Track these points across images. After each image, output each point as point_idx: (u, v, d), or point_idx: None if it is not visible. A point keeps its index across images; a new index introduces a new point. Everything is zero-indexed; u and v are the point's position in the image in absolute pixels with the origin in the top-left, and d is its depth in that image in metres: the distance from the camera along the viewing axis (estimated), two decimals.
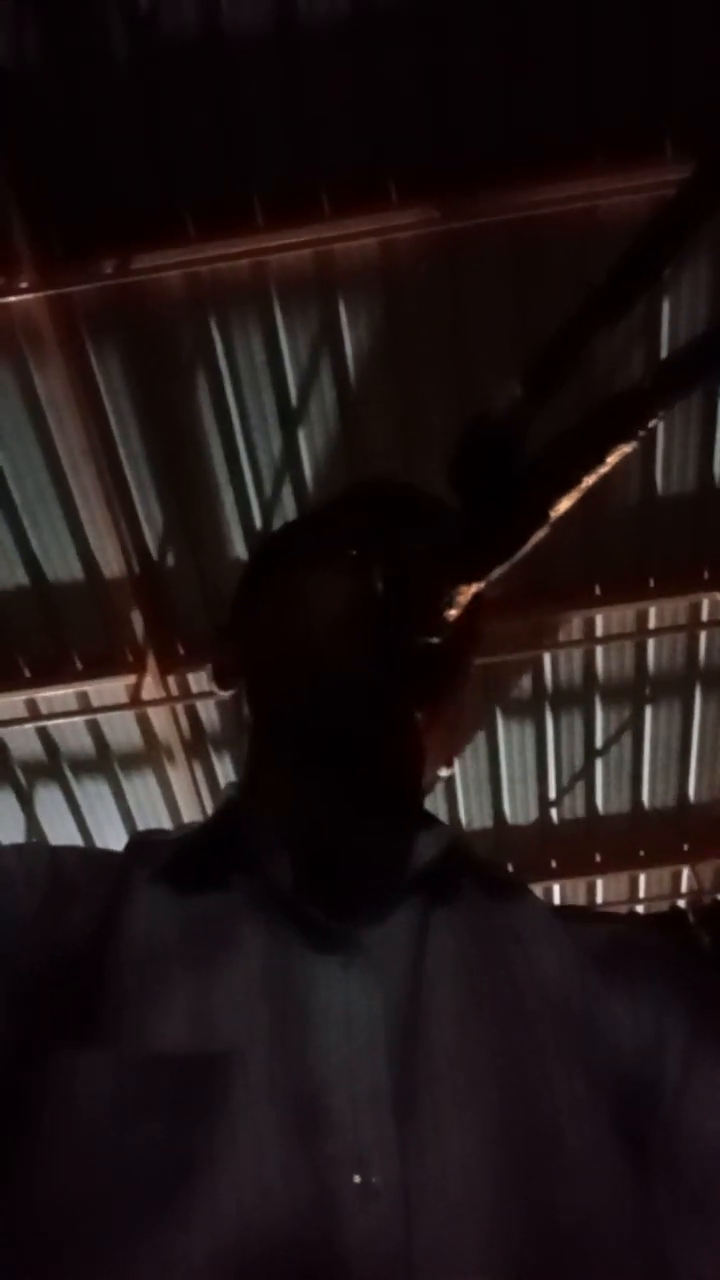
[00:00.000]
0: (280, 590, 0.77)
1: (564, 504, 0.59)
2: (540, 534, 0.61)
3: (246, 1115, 0.51)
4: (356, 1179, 0.49)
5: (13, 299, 3.16)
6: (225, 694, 0.82)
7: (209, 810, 4.46)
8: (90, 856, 0.69)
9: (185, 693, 4.07)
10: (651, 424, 0.56)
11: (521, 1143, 0.52)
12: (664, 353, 3.38)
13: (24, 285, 3.14)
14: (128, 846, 0.70)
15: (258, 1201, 0.48)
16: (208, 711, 4.19)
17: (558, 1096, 0.55)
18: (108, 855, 0.70)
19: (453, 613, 0.66)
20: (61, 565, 3.78)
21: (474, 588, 0.65)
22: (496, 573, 0.63)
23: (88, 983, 0.57)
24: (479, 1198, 0.50)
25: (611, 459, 0.57)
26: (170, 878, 0.64)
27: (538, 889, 4.80)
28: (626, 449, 0.57)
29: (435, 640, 0.68)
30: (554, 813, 4.70)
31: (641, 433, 0.56)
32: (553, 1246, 0.50)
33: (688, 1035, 0.60)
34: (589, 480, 0.58)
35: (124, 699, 4.06)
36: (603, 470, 0.58)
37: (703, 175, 0.52)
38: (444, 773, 0.80)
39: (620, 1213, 0.52)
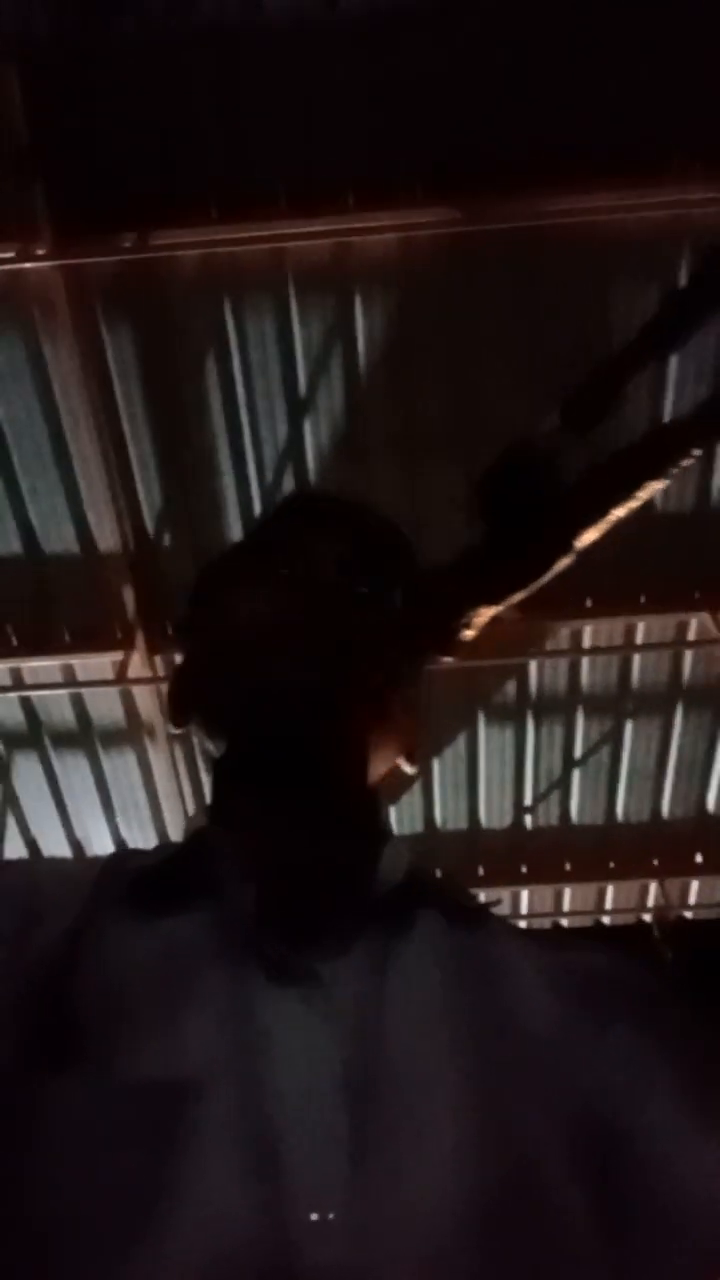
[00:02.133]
0: (216, 615, 0.76)
1: (590, 536, 0.60)
2: (564, 564, 0.61)
3: (211, 1149, 0.51)
4: (314, 1217, 0.49)
5: (29, 266, 3.14)
6: (178, 731, 0.80)
7: (186, 792, 4.46)
8: (66, 874, 0.69)
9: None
10: (687, 463, 0.57)
11: (483, 1183, 0.52)
12: (670, 391, 3.39)
13: (41, 253, 3.12)
14: (103, 866, 0.69)
15: (221, 1236, 0.48)
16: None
17: (521, 1138, 0.55)
18: (83, 872, 0.69)
19: (470, 633, 0.66)
20: (56, 537, 3.76)
21: (493, 610, 0.65)
22: (517, 598, 0.63)
23: (59, 1007, 0.56)
24: (437, 1238, 0.50)
25: (643, 494, 0.58)
26: (141, 902, 0.63)
27: (506, 894, 4.85)
28: (659, 486, 0.58)
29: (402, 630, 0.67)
30: (528, 819, 4.73)
31: (676, 471, 0.57)
32: None
33: (658, 1079, 0.59)
34: (619, 513, 0.59)
35: (110, 675, 4.05)
36: (634, 505, 0.59)
37: None
38: (407, 768, 0.79)
39: (581, 1258, 0.52)
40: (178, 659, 0.83)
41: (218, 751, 0.75)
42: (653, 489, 0.57)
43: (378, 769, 0.75)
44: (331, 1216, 0.49)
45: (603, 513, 0.59)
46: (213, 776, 0.76)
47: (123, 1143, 0.51)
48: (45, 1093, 0.52)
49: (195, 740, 4.35)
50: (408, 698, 0.76)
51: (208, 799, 0.76)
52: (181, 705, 0.78)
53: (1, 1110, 0.52)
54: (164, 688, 4.05)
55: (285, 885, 0.65)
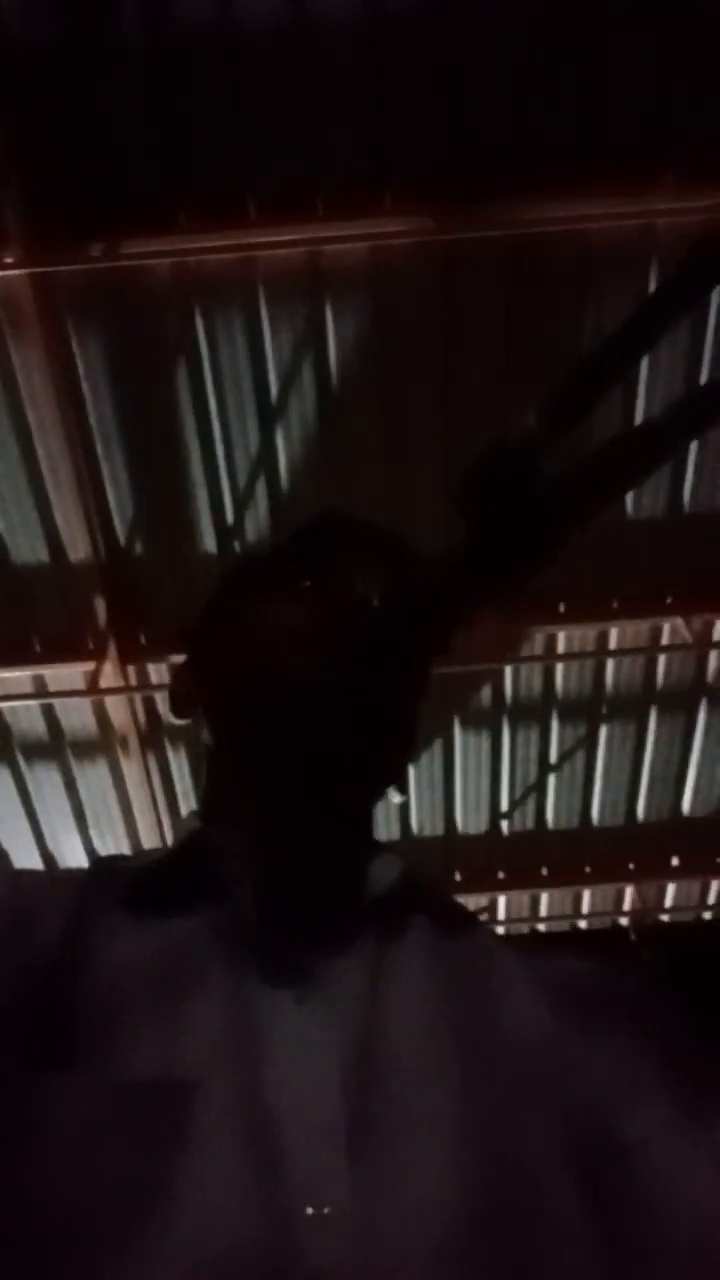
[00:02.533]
0: (240, 618, 0.77)
1: (575, 536, 0.60)
2: (544, 567, 0.61)
3: (207, 1146, 0.51)
4: (309, 1210, 0.50)
5: None
6: (181, 722, 0.81)
7: (159, 803, 4.43)
8: (53, 880, 0.70)
9: (144, 683, 4.04)
10: (664, 463, 0.57)
11: (477, 1184, 0.53)
12: (641, 390, 3.42)
13: (9, 260, 3.10)
14: (90, 870, 0.70)
15: (217, 1231, 0.49)
16: (166, 703, 4.15)
17: (512, 1138, 0.56)
18: (70, 878, 0.69)
19: (460, 635, 0.67)
20: (26, 546, 3.73)
21: (481, 611, 0.66)
22: (495, 603, 0.64)
23: (53, 1009, 0.57)
24: (430, 1233, 0.50)
25: (624, 494, 0.58)
26: (134, 904, 0.64)
27: (483, 899, 4.86)
28: (637, 486, 0.58)
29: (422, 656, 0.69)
30: (504, 824, 4.74)
31: (654, 471, 0.57)
32: None
33: (647, 1085, 0.60)
34: (600, 513, 0.59)
35: (81, 685, 4.02)
36: (613, 504, 0.59)
37: None
38: (396, 798, 0.81)
39: (574, 1261, 0.53)
40: (186, 651, 0.85)
41: (220, 747, 0.75)
42: (630, 489, 0.57)
43: (378, 779, 0.76)
44: (329, 1211, 0.50)
45: (588, 515, 0.59)
46: (211, 771, 0.77)
47: (120, 1141, 0.51)
48: (42, 1092, 0.53)
49: (168, 749, 4.32)
50: (414, 711, 0.78)
51: (202, 794, 0.78)
52: (190, 698, 0.79)
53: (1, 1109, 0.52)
54: (136, 697, 4.04)
55: (284, 887, 0.66)
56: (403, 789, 0.80)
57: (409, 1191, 0.51)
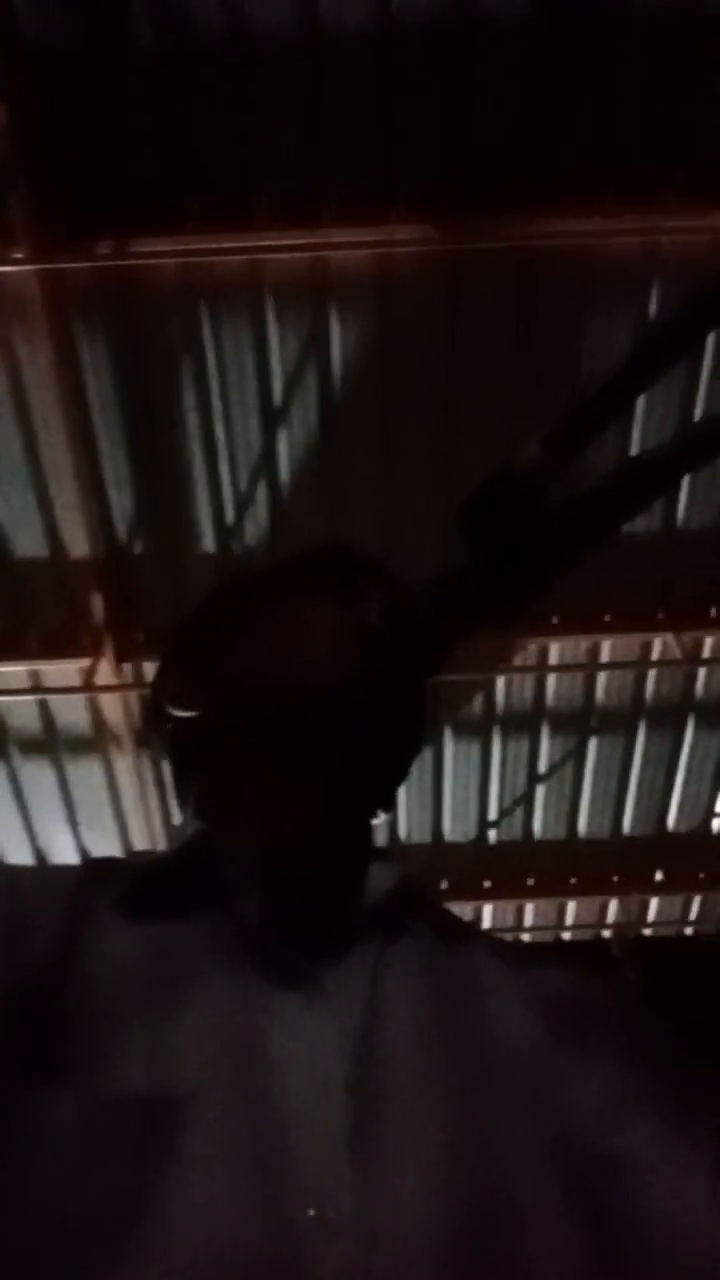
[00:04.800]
0: (253, 627, 0.78)
1: (574, 565, 0.61)
2: (548, 591, 0.63)
3: (206, 1155, 0.51)
4: (311, 1213, 0.50)
5: (6, 270, 3.12)
6: (184, 714, 0.80)
7: (152, 801, 4.43)
8: (45, 880, 0.69)
9: (140, 681, 4.04)
10: (663, 495, 0.58)
11: (472, 1188, 0.54)
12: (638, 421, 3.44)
13: (18, 256, 3.11)
14: (83, 871, 0.69)
15: (216, 1239, 0.49)
16: (156, 697, 4.14)
17: (504, 1146, 0.56)
18: (62, 878, 0.69)
19: (458, 654, 0.68)
20: (26, 540, 3.73)
21: (479, 633, 0.67)
22: (503, 622, 0.65)
23: (46, 1016, 0.56)
24: (432, 1237, 0.51)
25: (622, 525, 0.59)
26: (131, 908, 0.63)
27: (469, 908, 4.86)
28: (636, 517, 0.59)
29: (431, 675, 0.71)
30: (492, 834, 4.75)
31: (653, 503, 0.58)
32: None
33: (640, 1103, 0.61)
34: (599, 544, 0.60)
35: (77, 682, 4.02)
36: (612, 534, 0.60)
37: None
38: (380, 817, 0.82)
39: (562, 1267, 0.54)
40: (183, 647, 0.86)
41: (223, 750, 0.75)
42: (628, 520, 0.59)
43: (381, 789, 0.79)
44: (332, 1215, 0.50)
45: (593, 543, 0.60)
46: (208, 773, 0.77)
47: (115, 1150, 0.51)
48: (36, 1103, 0.52)
49: (161, 748, 4.32)
50: (418, 726, 0.80)
51: (196, 796, 0.77)
52: (188, 695, 0.78)
53: None
54: (132, 694, 4.03)
55: (289, 893, 0.66)
56: (388, 808, 0.82)
57: (409, 1196, 0.52)
